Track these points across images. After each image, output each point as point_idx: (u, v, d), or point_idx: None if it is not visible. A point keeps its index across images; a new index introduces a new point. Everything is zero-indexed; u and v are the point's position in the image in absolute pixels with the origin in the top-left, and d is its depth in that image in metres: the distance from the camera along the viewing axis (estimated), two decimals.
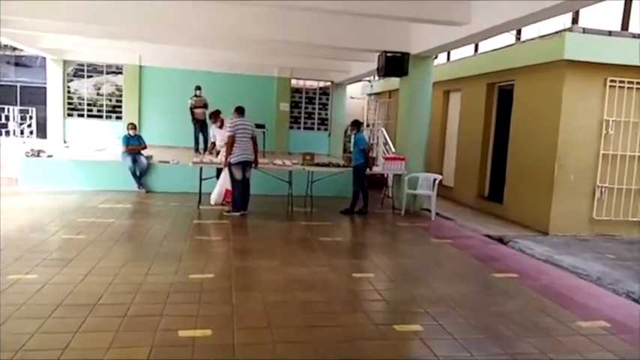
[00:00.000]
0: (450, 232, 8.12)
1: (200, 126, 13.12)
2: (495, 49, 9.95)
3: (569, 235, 8.24)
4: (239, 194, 8.19)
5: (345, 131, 17.33)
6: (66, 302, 4.12)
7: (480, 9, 6.70)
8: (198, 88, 13.03)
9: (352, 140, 9.26)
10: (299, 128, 16.54)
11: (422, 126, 9.73)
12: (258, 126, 14.33)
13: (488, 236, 8.02)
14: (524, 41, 9.26)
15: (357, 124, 9.15)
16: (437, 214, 9.17)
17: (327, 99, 16.73)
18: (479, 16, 6.74)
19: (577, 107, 8.08)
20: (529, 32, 9.56)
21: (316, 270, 5.51)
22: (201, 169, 8.72)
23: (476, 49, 11.23)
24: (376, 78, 18.43)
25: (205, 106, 12.73)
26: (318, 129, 16.76)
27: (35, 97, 17.44)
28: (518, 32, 9.75)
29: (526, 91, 9.02)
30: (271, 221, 8.09)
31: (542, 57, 8.35)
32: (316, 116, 16.70)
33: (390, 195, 9.94)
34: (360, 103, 18.98)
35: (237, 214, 8.19)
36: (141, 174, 9.96)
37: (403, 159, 9.53)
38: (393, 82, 16.70)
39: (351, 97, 18.59)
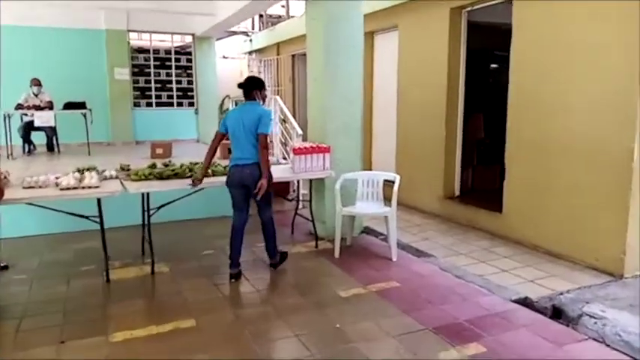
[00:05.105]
0: (453, 304, 3.88)
1: None
2: None
3: None
4: None
5: (221, 105, 12.49)
6: None
7: None
8: None
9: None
10: (150, 105, 11.25)
11: (352, 89, 5.42)
12: (74, 105, 8.92)
13: (524, 303, 3.99)
14: None
15: (256, 85, 4.31)
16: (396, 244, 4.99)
17: (190, 61, 11.61)
18: None
19: None
20: None
21: None
22: None
23: None
24: (256, 29, 13.68)
25: None
26: (180, 104, 11.61)
27: None
28: None
29: (544, 16, 5.01)
30: (45, 345, 3.21)
31: None
32: (174, 87, 11.51)
33: (305, 213, 5.50)
34: (237, 66, 14.08)
35: None
36: None
37: (327, 150, 5.14)
38: (281, 31, 12.10)
39: (224, 57, 13.62)
